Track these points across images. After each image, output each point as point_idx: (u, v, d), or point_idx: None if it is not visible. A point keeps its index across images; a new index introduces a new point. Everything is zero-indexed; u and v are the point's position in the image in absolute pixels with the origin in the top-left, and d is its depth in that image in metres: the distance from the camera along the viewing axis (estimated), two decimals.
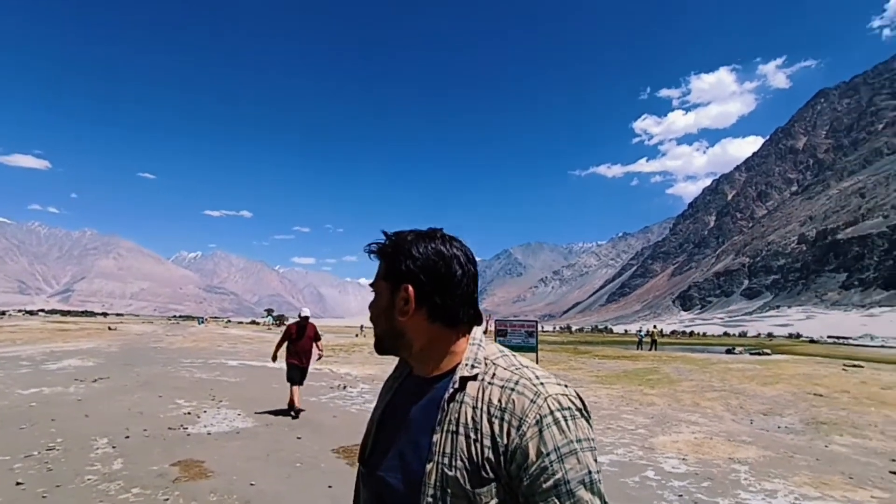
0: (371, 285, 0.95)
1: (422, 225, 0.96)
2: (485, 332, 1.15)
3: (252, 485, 4.03)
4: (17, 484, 3.79)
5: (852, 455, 5.73)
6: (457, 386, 0.83)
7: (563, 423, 0.76)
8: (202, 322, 77.65)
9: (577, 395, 0.82)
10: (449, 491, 0.77)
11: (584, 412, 0.80)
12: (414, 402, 0.88)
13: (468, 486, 0.76)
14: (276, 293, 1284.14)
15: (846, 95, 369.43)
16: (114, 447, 4.88)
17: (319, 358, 7.48)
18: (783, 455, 5.60)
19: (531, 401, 0.77)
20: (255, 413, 6.92)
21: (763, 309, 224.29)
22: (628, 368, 15.78)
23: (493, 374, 0.83)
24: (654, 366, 16.58)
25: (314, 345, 7.32)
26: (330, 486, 4.07)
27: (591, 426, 0.80)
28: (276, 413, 6.96)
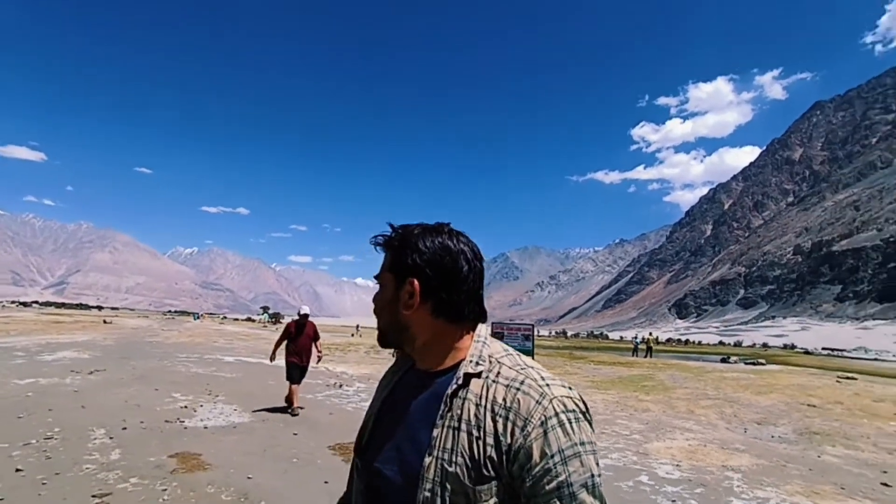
0: (376, 277, 0.94)
1: None
2: None
3: (249, 478, 4.05)
4: (17, 470, 3.81)
5: (844, 466, 5.78)
6: (460, 382, 0.82)
7: (567, 425, 0.76)
8: (197, 318, 77.31)
9: (581, 398, 0.82)
10: (448, 487, 0.76)
11: (587, 415, 0.80)
12: (414, 395, 0.88)
13: (468, 483, 0.76)
14: (272, 291, 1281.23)
15: (841, 108, 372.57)
16: (111, 438, 4.89)
17: (319, 360, 7.41)
18: (776, 464, 5.64)
19: (537, 401, 0.77)
20: (252, 409, 6.92)
21: (758, 319, 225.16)
22: (623, 375, 15.83)
23: (498, 373, 0.82)
24: (650, 373, 16.63)
25: (313, 344, 7.24)
26: (326, 482, 4.09)
27: (593, 429, 0.80)
28: (272, 409, 6.95)
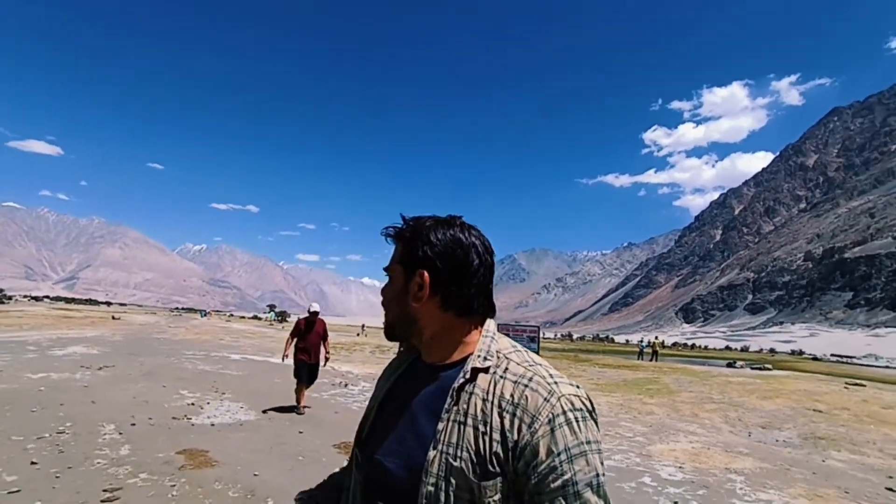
0: (385, 269, 0.93)
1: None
2: None
3: (256, 475, 4.12)
4: (32, 463, 3.91)
5: (849, 470, 5.76)
6: (468, 376, 0.81)
7: (574, 423, 0.75)
8: (204, 315, 77.99)
9: (588, 396, 0.82)
10: (453, 481, 0.75)
11: (593, 414, 0.80)
12: (419, 388, 0.87)
13: (474, 479, 0.75)
14: (279, 289, 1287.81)
15: (860, 115, 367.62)
16: (120, 433, 4.99)
17: (326, 361, 7.21)
18: (780, 467, 5.64)
19: (545, 399, 0.76)
20: (258, 407, 6.99)
21: (766, 324, 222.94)
22: (628, 378, 15.79)
23: (506, 369, 0.81)
24: (655, 376, 16.58)
25: (322, 343, 7.13)
26: None
27: (598, 429, 0.80)
28: (278, 408, 7.03)
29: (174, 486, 3.72)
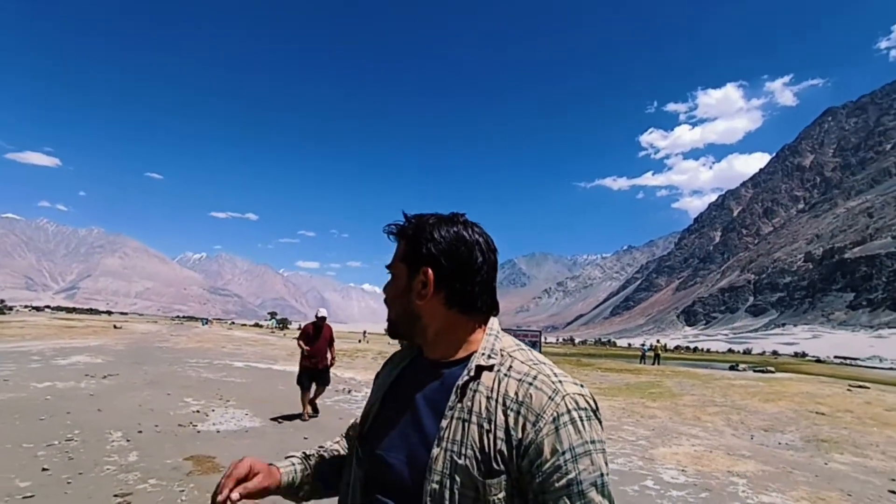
0: (388, 267, 0.92)
1: None
2: None
3: None
4: (44, 469, 3.97)
5: (852, 473, 5.79)
6: (472, 374, 0.80)
7: (579, 422, 0.75)
8: (206, 323, 78.12)
9: (592, 396, 0.81)
10: (457, 479, 0.75)
11: (597, 413, 0.80)
12: (422, 385, 0.86)
13: (478, 477, 0.74)
14: (280, 297, 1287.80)
15: (854, 115, 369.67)
16: (128, 440, 5.04)
17: (331, 365, 7.22)
18: (782, 470, 5.67)
19: (549, 397, 0.75)
20: (263, 413, 7.04)
21: (768, 327, 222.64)
22: (631, 382, 15.80)
23: (510, 367, 0.81)
24: (657, 380, 16.58)
25: (328, 349, 7.13)
26: None
27: (602, 428, 0.80)
28: (283, 414, 7.08)
29: (183, 491, 3.78)
